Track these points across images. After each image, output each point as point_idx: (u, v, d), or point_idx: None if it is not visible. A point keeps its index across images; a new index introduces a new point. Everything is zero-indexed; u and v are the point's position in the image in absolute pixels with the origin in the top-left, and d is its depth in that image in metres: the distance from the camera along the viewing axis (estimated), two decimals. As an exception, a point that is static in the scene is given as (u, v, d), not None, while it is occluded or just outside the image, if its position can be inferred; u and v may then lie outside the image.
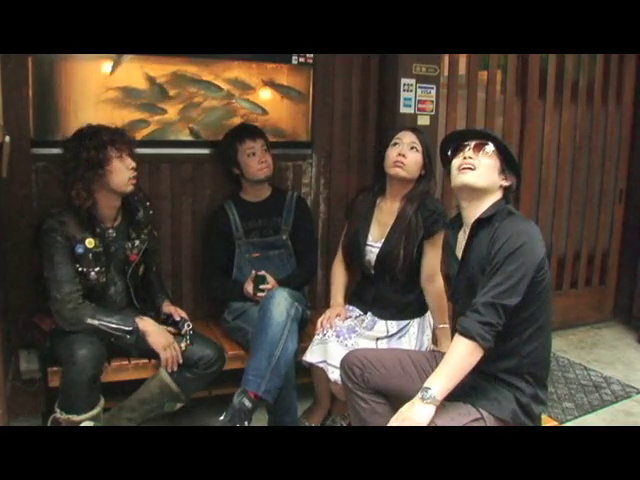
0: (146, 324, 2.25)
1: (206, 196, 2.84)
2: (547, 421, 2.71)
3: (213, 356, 2.31)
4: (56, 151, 2.38)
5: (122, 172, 2.20)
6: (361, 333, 2.38)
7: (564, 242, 3.92)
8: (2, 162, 2.05)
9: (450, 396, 1.71)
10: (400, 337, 2.41)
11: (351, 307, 2.52)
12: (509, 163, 1.86)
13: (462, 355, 1.69)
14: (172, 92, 2.73)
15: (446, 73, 3.25)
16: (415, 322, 2.46)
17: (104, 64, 2.59)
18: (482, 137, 1.86)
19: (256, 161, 2.64)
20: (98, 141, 2.16)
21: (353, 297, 2.58)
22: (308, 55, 2.93)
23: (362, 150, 3.12)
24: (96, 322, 2.15)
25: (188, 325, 2.35)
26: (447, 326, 2.40)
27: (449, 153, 1.92)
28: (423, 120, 2.96)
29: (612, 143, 3.95)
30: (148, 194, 2.51)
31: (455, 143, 1.90)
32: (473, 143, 1.84)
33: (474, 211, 1.83)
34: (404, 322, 2.44)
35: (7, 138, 2.05)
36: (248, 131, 2.70)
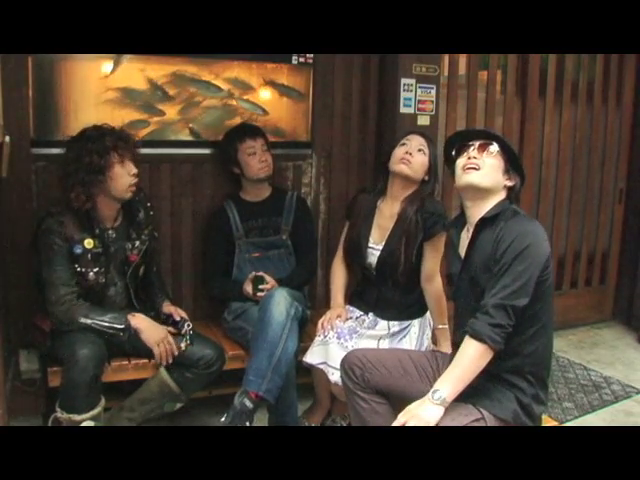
0: (138, 321, 2.24)
1: (206, 196, 2.84)
2: (547, 421, 2.71)
3: (213, 356, 2.31)
4: (56, 151, 2.38)
5: (122, 178, 2.20)
6: (362, 333, 2.38)
7: (564, 242, 3.92)
8: (2, 162, 2.05)
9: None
10: (401, 338, 2.41)
11: (351, 308, 2.52)
12: (513, 163, 1.86)
13: (473, 358, 1.69)
14: (172, 92, 2.73)
15: (446, 73, 3.25)
16: (416, 322, 2.46)
17: (104, 64, 2.59)
18: (486, 137, 1.87)
19: (256, 160, 2.64)
20: (101, 145, 2.15)
21: (354, 298, 2.57)
22: (308, 55, 2.93)
23: (362, 150, 3.12)
24: (89, 321, 2.16)
25: (188, 325, 2.35)
26: (446, 327, 2.40)
27: (453, 153, 1.92)
28: (423, 120, 2.96)
29: (612, 143, 3.95)
30: (148, 194, 2.51)
31: (459, 143, 1.90)
32: (478, 143, 1.84)
33: (478, 211, 1.83)
34: (406, 322, 2.44)
35: (7, 138, 2.04)
36: (248, 130, 2.70)
